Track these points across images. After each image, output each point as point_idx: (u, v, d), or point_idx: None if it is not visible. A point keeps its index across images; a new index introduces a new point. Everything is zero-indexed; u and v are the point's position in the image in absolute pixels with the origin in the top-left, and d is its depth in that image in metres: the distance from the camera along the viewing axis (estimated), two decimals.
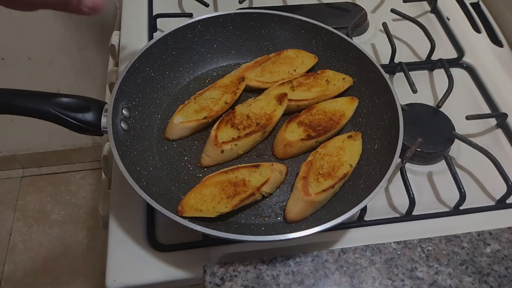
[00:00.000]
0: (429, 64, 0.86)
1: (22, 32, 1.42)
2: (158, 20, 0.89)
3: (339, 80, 0.74)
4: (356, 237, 0.64)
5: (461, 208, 0.67)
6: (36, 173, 1.89)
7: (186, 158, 0.68)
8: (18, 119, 1.54)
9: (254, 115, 0.68)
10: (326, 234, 0.63)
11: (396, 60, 0.84)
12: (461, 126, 0.75)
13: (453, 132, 0.73)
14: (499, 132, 0.78)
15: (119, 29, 0.90)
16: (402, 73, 0.80)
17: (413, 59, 0.87)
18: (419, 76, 0.84)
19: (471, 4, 0.99)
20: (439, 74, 0.84)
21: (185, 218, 0.56)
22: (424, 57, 0.87)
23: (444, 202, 0.69)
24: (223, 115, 0.68)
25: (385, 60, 0.85)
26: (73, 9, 0.52)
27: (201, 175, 0.66)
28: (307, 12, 0.90)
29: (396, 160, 0.60)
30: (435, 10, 0.96)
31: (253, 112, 0.69)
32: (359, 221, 0.65)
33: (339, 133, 0.71)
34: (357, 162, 0.65)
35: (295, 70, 0.76)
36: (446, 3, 0.97)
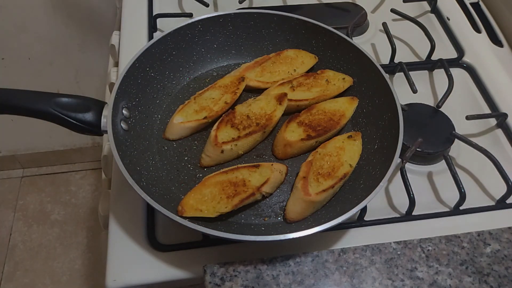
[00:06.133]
0: (429, 64, 0.86)
1: (22, 32, 1.42)
2: (158, 20, 0.89)
3: (339, 80, 0.74)
4: (356, 237, 0.64)
5: (461, 208, 0.67)
6: (36, 173, 1.89)
7: (186, 158, 0.68)
8: (18, 119, 1.53)
9: (254, 115, 0.68)
10: (326, 234, 0.63)
11: (396, 60, 0.84)
12: (461, 126, 0.75)
13: (453, 132, 0.73)
14: (499, 132, 0.78)
15: (119, 29, 0.90)
16: (402, 73, 0.80)
17: (413, 59, 0.87)
18: (419, 76, 0.84)
19: (471, 4, 0.99)
20: (439, 74, 0.84)
21: (185, 218, 0.56)
22: (424, 57, 0.87)
23: (444, 202, 0.69)
24: (223, 115, 0.68)
25: (385, 60, 0.85)
26: None
27: (201, 175, 0.66)
28: (307, 12, 0.90)
29: (396, 160, 0.60)
30: (435, 10, 0.96)
31: (253, 112, 0.69)
32: (359, 221, 0.65)
33: (339, 133, 0.71)
34: (357, 162, 0.65)
35: (295, 70, 0.76)
36: (446, 3, 0.97)
